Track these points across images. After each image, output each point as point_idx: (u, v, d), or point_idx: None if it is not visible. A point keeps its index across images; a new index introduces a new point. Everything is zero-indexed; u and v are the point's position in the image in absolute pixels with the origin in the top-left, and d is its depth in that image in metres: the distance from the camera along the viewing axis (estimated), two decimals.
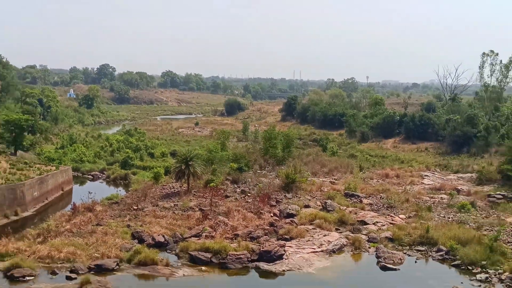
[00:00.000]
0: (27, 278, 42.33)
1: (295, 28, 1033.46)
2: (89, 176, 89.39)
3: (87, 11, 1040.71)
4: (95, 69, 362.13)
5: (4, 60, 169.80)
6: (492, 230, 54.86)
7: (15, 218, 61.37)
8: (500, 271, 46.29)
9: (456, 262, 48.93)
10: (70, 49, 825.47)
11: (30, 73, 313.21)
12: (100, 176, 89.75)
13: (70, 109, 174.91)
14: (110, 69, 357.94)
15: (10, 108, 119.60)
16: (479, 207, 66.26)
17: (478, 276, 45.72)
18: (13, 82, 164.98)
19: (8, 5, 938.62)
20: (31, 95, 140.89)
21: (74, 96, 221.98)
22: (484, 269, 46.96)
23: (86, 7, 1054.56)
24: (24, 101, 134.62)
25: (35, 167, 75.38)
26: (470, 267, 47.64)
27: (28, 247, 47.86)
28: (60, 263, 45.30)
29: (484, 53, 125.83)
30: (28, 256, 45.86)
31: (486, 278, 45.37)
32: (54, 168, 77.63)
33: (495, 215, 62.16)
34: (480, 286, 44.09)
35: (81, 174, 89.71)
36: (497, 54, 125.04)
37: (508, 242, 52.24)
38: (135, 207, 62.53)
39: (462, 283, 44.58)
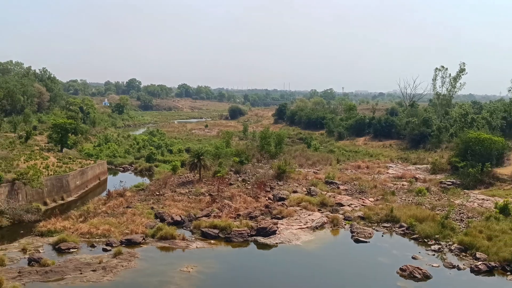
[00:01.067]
0: (71, 250, 42.41)
1: (285, 49, 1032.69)
2: (120, 168, 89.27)
3: (119, 37, 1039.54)
4: (124, 83, 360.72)
5: (52, 75, 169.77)
6: (443, 210, 54.96)
7: (61, 202, 61.52)
8: (450, 243, 46.44)
9: (414, 236, 48.97)
10: (105, 67, 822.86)
11: (73, 86, 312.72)
12: (129, 168, 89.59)
13: (105, 115, 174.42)
14: (137, 83, 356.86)
15: (57, 114, 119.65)
16: (433, 191, 66.30)
17: (432, 247, 45.85)
18: (59, 93, 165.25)
19: (55, 30, 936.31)
20: (74, 104, 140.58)
21: (108, 104, 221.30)
22: (437, 241, 47.07)
23: (119, 35, 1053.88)
24: (68, 109, 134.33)
25: (77, 161, 75.29)
26: (426, 240, 47.74)
27: (72, 225, 48.01)
28: (97, 238, 45.45)
29: (436, 68, 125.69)
30: (72, 233, 46.00)
31: (439, 248, 45.49)
32: (92, 162, 77.57)
33: (446, 198, 62.21)
34: (434, 255, 44.15)
35: (114, 167, 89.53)
36: (446, 69, 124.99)
37: (456, 219, 52.32)
38: (157, 193, 62.48)
39: (419, 252, 44.58)
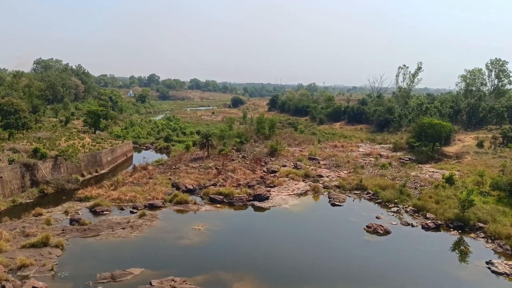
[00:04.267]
0: (105, 212, 42.82)
1: (278, 51, 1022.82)
2: (144, 147, 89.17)
3: (143, 40, 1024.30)
4: (146, 77, 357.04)
5: (86, 71, 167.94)
6: (401, 180, 55.50)
7: (95, 174, 61.61)
8: (406, 206, 47.12)
9: (378, 200, 49.64)
10: (130, 63, 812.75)
11: (103, 79, 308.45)
12: (150, 147, 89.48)
13: (130, 103, 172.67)
14: (156, 77, 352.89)
15: (91, 102, 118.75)
16: (394, 166, 66.81)
17: (392, 209, 46.55)
18: (92, 85, 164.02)
19: (88, 31, 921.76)
20: (104, 94, 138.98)
21: (133, 95, 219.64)
22: (396, 205, 47.72)
23: (143, 38, 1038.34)
24: (100, 98, 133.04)
25: (108, 141, 75.17)
26: (387, 203, 48.40)
27: (105, 193, 48.36)
28: (126, 203, 45.81)
29: (399, 66, 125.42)
30: (105, 198, 46.34)
31: (397, 210, 46.19)
32: (120, 142, 77.45)
33: (404, 171, 62.69)
34: (393, 215, 44.85)
35: (138, 146, 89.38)
36: (407, 67, 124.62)
37: (412, 187, 52.90)
38: (174, 167, 62.73)
39: (382, 213, 45.28)
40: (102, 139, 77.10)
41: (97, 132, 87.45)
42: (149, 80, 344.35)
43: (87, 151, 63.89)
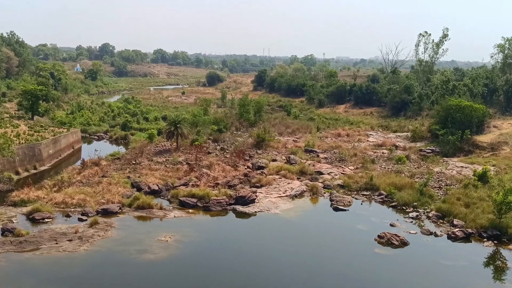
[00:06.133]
0: (46, 220, 42.27)
1: (265, 12, 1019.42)
2: (95, 137, 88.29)
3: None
4: (97, 48, 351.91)
5: (21, 39, 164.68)
6: (422, 178, 56.05)
7: (34, 171, 60.75)
8: (428, 210, 47.57)
9: (393, 204, 50.02)
10: (76, 30, 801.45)
11: (42, 50, 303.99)
12: (104, 137, 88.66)
13: (77, 81, 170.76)
14: (111, 48, 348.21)
15: (27, 80, 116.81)
16: (413, 159, 67.45)
17: (410, 215, 46.92)
18: (29, 58, 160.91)
19: None
20: (44, 69, 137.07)
21: (80, 70, 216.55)
22: (415, 209, 48.15)
23: None
24: (38, 74, 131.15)
25: (50, 130, 74.17)
26: (404, 207, 48.80)
27: (46, 195, 47.74)
28: (73, 208, 45.33)
29: (420, 34, 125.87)
30: (46, 202, 45.75)
31: (417, 215, 46.58)
32: (65, 130, 76.47)
33: (425, 166, 63.41)
34: (412, 222, 45.26)
35: (88, 135, 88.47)
36: (430, 35, 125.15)
37: (435, 187, 53.53)
38: (134, 162, 62.25)
39: (397, 220, 45.65)
40: (42, 126, 75.93)
41: (36, 118, 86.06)
42: (101, 51, 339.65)
43: (23, 142, 62.79)
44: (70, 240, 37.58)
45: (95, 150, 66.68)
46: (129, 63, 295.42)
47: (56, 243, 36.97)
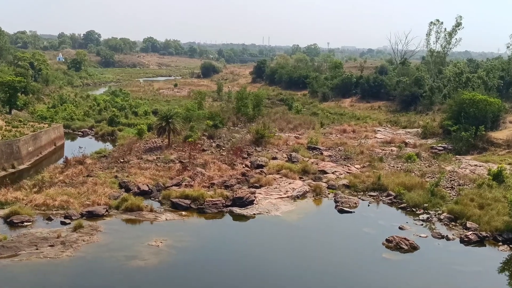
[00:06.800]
0: (25, 223, 42.20)
1: None
2: (79, 133, 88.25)
3: None
4: (81, 35, 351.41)
5: None
6: (433, 177, 56.17)
7: (12, 170, 60.67)
8: (439, 212, 47.72)
9: (402, 205, 50.17)
10: (58, 16, 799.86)
11: (21, 38, 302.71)
12: (89, 133, 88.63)
13: (60, 72, 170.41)
14: (96, 35, 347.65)
15: (4, 70, 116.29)
16: (423, 157, 67.63)
17: (420, 217, 47.09)
18: (6, 46, 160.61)
19: None
20: (23, 59, 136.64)
21: (63, 60, 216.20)
22: (426, 211, 48.32)
23: None
24: (17, 64, 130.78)
25: (29, 125, 74.15)
26: (414, 209, 48.97)
27: (25, 196, 47.61)
28: (55, 210, 45.24)
29: (431, 22, 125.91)
30: (25, 204, 45.62)
31: (427, 218, 46.74)
32: (46, 125, 76.44)
33: (436, 164, 63.54)
34: (422, 224, 45.43)
35: (71, 131, 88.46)
36: (442, 23, 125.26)
37: (447, 187, 53.70)
38: (122, 160, 62.26)
39: (407, 222, 45.77)
40: (20, 121, 75.85)
41: (14, 112, 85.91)
42: (86, 40, 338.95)
43: (0, 138, 62.63)
44: (51, 246, 37.51)
45: (79, 147, 66.58)
46: (117, 52, 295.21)
47: (37, 249, 36.91)
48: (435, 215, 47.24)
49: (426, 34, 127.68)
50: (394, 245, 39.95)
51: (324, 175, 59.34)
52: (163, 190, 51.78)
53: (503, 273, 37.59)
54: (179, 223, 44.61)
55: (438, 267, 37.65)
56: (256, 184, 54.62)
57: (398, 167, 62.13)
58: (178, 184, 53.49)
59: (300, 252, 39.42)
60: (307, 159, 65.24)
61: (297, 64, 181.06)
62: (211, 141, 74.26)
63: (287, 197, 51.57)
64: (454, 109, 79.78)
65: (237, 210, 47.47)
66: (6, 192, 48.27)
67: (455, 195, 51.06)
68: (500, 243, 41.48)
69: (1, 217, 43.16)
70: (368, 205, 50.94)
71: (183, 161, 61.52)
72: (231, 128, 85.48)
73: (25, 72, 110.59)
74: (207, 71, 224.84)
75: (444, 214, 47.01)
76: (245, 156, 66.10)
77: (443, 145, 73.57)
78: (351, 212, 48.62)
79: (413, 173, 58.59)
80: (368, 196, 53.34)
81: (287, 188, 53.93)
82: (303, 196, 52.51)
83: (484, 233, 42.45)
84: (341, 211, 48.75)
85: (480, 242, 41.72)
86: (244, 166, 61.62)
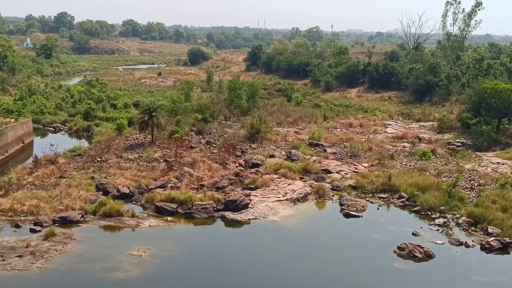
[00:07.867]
0: None
1: None
2: (51, 128, 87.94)
3: None
4: (52, 18, 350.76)
5: None
6: (451, 177, 56.30)
7: None
8: (457, 215, 47.75)
9: (416, 208, 50.20)
10: None
11: None
12: (61, 128, 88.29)
13: (28, 59, 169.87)
14: (69, 18, 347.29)
15: None
16: (439, 154, 67.74)
17: (436, 221, 47.11)
18: None
19: None
20: None
21: (31, 46, 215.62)
22: (442, 214, 48.38)
23: None
24: None
25: None
26: (429, 213, 49.02)
27: None
28: (23, 216, 45.01)
29: (448, 2, 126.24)
30: None
31: (444, 222, 46.81)
32: (13, 120, 76.07)
33: (454, 162, 63.68)
34: (438, 230, 45.51)
35: (42, 126, 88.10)
36: (460, 3, 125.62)
37: (466, 187, 53.82)
38: (99, 159, 62.11)
39: (421, 227, 45.87)
40: None
41: None
42: (57, 23, 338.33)
43: None
44: (20, 256, 37.42)
45: (51, 145, 66.31)
46: (93, 37, 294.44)
47: (3, 260, 36.84)
48: (452, 219, 47.29)
49: (442, 15, 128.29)
50: (407, 253, 40.07)
51: (328, 174, 59.33)
52: (146, 193, 51.59)
53: None
54: (164, 230, 44.56)
55: (457, 278, 37.88)
56: (251, 186, 54.56)
57: (411, 166, 62.20)
58: (163, 186, 53.38)
59: (300, 263, 39.47)
60: (309, 157, 65.24)
61: (297, 49, 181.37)
62: (200, 137, 74.20)
63: (286, 199, 51.58)
64: (474, 100, 79.91)
65: (229, 214, 47.42)
66: None
67: (475, 197, 51.15)
68: None
69: None
70: (378, 209, 51.03)
71: (169, 160, 61.44)
72: (223, 122, 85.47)
73: None
74: (195, 58, 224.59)
75: (463, 218, 47.04)
76: (239, 154, 66.08)
77: (461, 141, 73.63)
78: (358, 216, 48.63)
79: (428, 172, 58.65)
80: (377, 198, 53.37)
81: (286, 189, 53.94)
82: (304, 198, 52.50)
83: (508, 239, 42.50)
84: (347, 215, 48.79)
85: (504, 249, 41.78)
86: (237, 165, 61.61)
